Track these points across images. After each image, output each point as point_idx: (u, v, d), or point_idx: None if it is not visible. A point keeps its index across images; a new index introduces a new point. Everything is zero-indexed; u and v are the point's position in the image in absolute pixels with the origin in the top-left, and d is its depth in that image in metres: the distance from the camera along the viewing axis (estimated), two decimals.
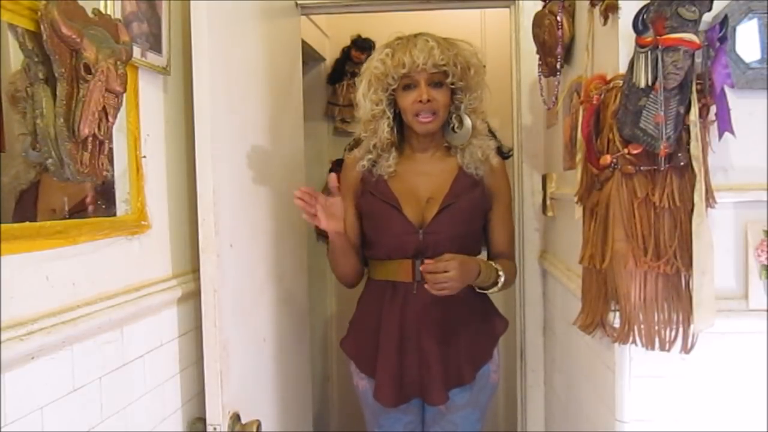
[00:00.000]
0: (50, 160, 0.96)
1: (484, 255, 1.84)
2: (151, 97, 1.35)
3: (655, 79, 1.11)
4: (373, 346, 1.75)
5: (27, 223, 0.96)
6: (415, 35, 1.68)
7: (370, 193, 1.76)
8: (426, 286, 1.56)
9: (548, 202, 2.05)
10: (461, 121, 1.73)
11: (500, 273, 1.71)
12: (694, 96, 1.14)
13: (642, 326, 1.21)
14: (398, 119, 1.74)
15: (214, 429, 1.34)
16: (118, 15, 1.17)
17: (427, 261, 1.59)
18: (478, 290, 1.72)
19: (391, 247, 1.72)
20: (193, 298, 1.43)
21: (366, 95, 1.71)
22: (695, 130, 1.15)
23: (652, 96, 1.12)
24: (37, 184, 0.99)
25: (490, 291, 1.74)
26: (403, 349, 1.71)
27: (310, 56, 2.92)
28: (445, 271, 1.53)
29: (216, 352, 1.34)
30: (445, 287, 1.54)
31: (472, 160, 1.74)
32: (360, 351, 1.82)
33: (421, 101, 1.65)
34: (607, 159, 1.20)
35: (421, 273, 1.58)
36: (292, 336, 1.97)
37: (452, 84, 1.68)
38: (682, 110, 1.14)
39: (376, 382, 1.74)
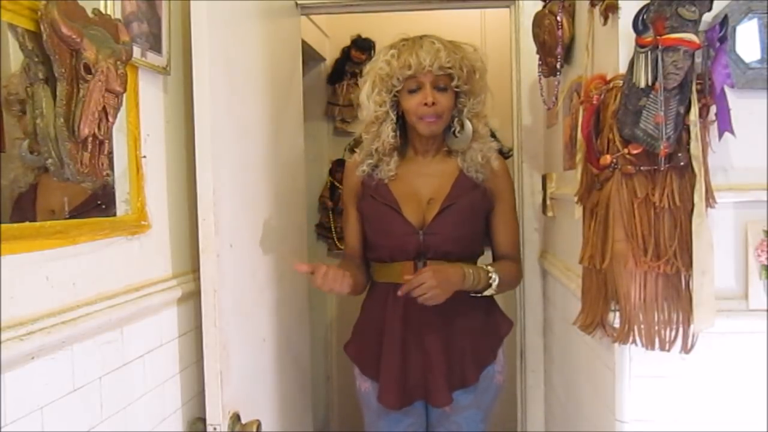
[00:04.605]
0: (50, 161, 0.96)
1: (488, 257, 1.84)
2: (151, 97, 1.35)
3: (655, 79, 1.11)
4: (376, 349, 1.74)
5: (27, 223, 0.96)
6: (421, 37, 1.67)
7: (370, 197, 1.75)
8: (419, 300, 1.55)
9: (548, 202, 2.05)
10: (463, 125, 1.72)
11: (491, 275, 1.67)
12: (694, 96, 1.14)
13: (642, 326, 1.21)
14: (400, 121, 1.74)
15: (214, 429, 1.34)
16: (118, 15, 1.17)
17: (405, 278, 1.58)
18: (473, 295, 1.69)
19: (393, 249, 1.72)
20: (193, 298, 1.43)
21: (370, 96, 1.69)
22: (695, 130, 1.15)
23: (652, 96, 1.12)
24: (35, 185, 0.99)
25: (487, 293, 1.70)
26: (407, 351, 1.71)
27: (310, 56, 2.92)
28: (422, 283, 1.53)
29: (216, 352, 1.34)
30: (428, 297, 1.54)
31: (472, 163, 1.73)
32: (363, 354, 1.81)
33: (426, 104, 1.64)
34: (607, 159, 1.20)
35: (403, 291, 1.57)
36: (292, 336, 1.97)
37: (456, 87, 1.67)
38: (682, 110, 1.14)
39: (380, 384, 1.74)
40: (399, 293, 1.57)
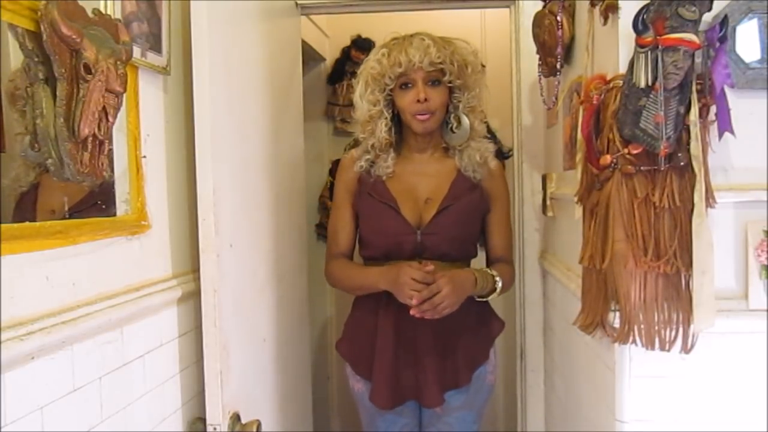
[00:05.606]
0: (50, 160, 0.96)
1: (481, 259, 1.84)
2: (151, 97, 1.35)
3: (655, 79, 1.11)
4: (369, 348, 1.74)
5: (27, 223, 0.96)
6: (411, 35, 1.68)
7: (368, 194, 1.75)
8: (426, 315, 1.52)
9: (548, 202, 2.05)
10: (460, 121, 1.72)
11: (497, 279, 1.68)
12: (694, 96, 1.14)
13: (642, 326, 1.21)
14: (396, 119, 1.74)
15: (214, 429, 1.34)
16: (118, 15, 1.17)
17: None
18: (477, 299, 1.70)
19: (389, 248, 1.71)
20: (193, 298, 1.43)
21: (363, 96, 1.71)
22: (695, 130, 1.15)
23: (652, 96, 1.12)
24: (36, 185, 0.99)
25: (490, 297, 1.72)
26: (400, 351, 1.71)
27: (310, 56, 2.92)
28: (438, 292, 1.51)
29: (216, 352, 1.34)
30: (445, 306, 1.52)
31: (470, 162, 1.73)
32: (356, 353, 1.81)
33: (418, 100, 1.64)
34: (607, 159, 1.20)
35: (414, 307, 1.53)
36: (292, 336, 1.97)
37: (449, 82, 1.67)
38: (682, 110, 1.14)
39: (372, 384, 1.74)
40: (414, 301, 1.51)
